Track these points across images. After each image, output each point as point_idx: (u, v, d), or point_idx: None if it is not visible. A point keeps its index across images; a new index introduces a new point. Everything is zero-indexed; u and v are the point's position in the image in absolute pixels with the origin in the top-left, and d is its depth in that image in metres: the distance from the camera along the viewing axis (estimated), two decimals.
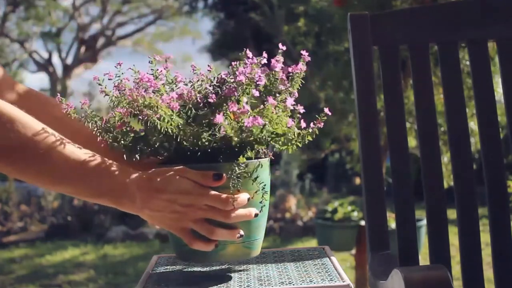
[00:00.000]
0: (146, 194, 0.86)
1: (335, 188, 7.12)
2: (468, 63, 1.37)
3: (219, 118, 0.84)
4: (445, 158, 2.83)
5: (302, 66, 0.95)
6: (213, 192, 0.88)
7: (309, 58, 0.96)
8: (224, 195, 0.88)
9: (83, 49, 13.75)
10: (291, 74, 0.95)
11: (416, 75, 1.31)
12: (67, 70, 13.70)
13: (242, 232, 0.90)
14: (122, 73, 0.93)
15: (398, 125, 1.29)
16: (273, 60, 0.94)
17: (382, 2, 2.76)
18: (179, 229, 0.89)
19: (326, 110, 0.92)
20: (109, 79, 0.93)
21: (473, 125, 2.56)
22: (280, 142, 0.92)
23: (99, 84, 0.93)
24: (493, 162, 1.28)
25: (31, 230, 5.90)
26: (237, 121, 0.86)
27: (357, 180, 7.04)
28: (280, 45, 0.97)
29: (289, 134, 0.91)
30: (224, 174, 0.88)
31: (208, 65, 0.98)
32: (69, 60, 13.85)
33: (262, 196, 0.91)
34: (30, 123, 0.86)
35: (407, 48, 1.32)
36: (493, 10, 1.32)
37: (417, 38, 1.32)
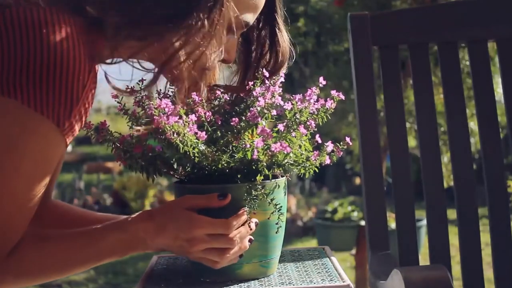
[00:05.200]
0: (152, 235, 0.89)
1: (335, 188, 7.10)
2: (468, 63, 1.37)
3: (259, 143, 0.85)
4: (445, 158, 2.83)
5: (332, 105, 0.96)
6: (208, 220, 0.88)
7: (343, 97, 0.97)
8: (221, 220, 0.88)
9: None
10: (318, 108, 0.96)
11: (416, 75, 1.31)
12: None
13: (252, 238, 0.91)
14: (142, 89, 0.94)
15: (398, 125, 1.29)
16: (309, 91, 0.95)
17: (382, 2, 2.76)
18: (193, 258, 0.92)
19: (348, 139, 0.93)
20: (130, 95, 0.94)
21: (473, 125, 2.56)
22: (299, 167, 0.92)
23: (118, 103, 0.94)
24: (493, 162, 1.28)
25: None
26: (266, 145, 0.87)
27: (357, 180, 7.02)
28: (321, 82, 0.96)
29: (308, 163, 0.92)
30: (228, 193, 0.89)
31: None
32: None
33: (278, 217, 0.92)
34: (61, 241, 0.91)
35: (407, 48, 1.32)
36: (493, 10, 1.32)
37: (417, 38, 1.32)
